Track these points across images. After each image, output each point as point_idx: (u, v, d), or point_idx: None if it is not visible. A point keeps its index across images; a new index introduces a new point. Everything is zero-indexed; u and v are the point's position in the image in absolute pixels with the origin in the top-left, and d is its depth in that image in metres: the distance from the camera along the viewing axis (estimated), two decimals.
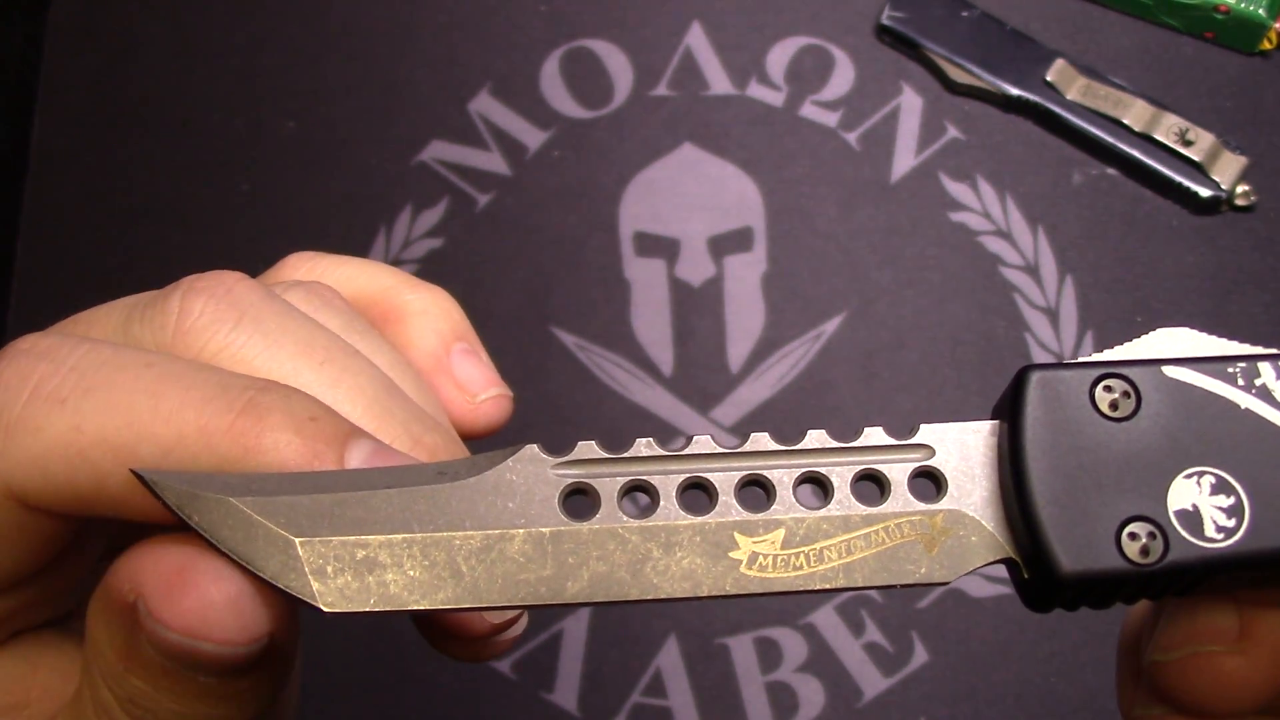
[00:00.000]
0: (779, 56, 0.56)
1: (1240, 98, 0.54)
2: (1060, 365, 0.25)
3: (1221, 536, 0.23)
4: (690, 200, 0.54)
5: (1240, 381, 0.24)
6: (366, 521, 0.22)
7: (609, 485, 0.23)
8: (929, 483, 0.25)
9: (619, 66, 0.56)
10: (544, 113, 0.56)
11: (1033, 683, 0.48)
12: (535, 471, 0.23)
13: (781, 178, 0.54)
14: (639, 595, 0.22)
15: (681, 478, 0.23)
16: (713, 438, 0.24)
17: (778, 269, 0.53)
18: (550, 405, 0.52)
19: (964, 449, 0.25)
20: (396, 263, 0.54)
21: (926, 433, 0.25)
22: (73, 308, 0.59)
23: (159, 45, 0.58)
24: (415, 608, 0.22)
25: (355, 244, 0.54)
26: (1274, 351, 0.24)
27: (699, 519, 0.23)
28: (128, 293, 0.56)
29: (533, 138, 0.55)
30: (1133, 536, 0.23)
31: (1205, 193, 0.52)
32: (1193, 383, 0.24)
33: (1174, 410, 0.24)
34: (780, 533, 0.23)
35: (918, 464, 0.24)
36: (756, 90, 0.56)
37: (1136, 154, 0.53)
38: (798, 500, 0.24)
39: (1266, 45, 0.54)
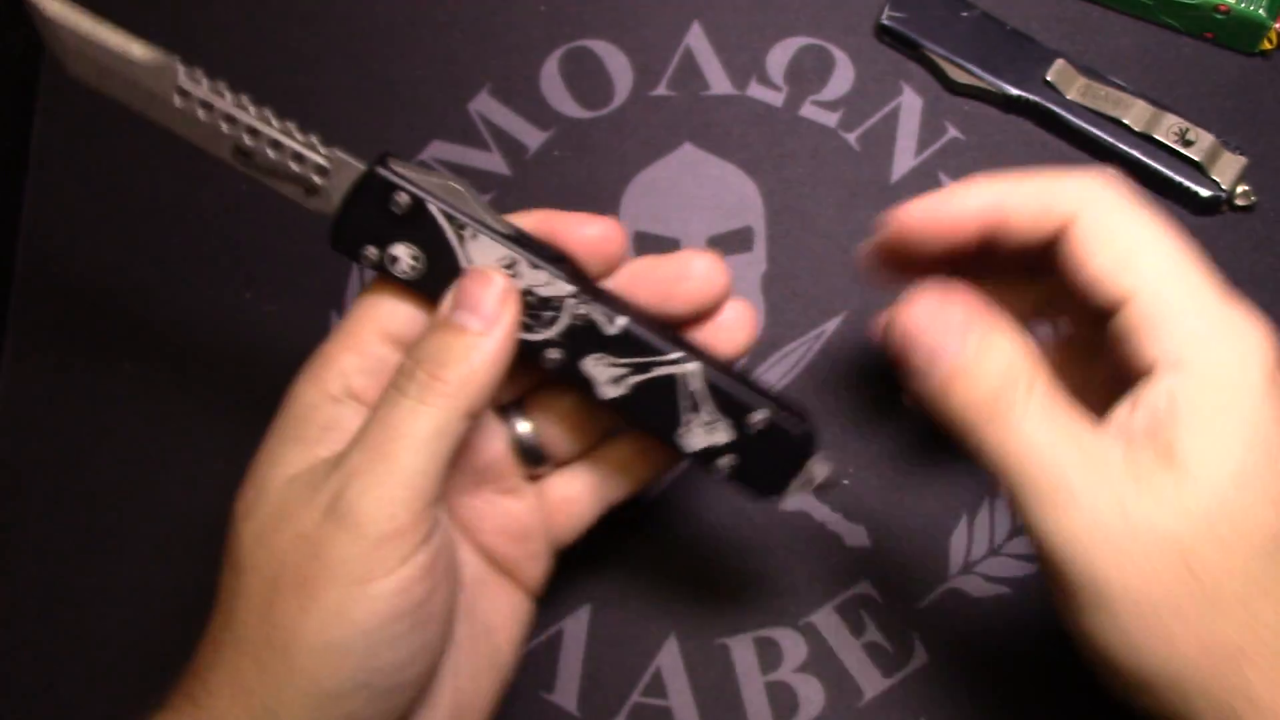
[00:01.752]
0: (779, 56, 0.56)
1: (1240, 98, 0.54)
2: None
3: None
4: (690, 200, 0.54)
5: None
6: None
7: None
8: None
9: (619, 66, 0.56)
10: (544, 113, 0.56)
11: (1033, 683, 0.48)
12: None
13: (781, 178, 0.54)
14: None
15: None
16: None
17: (778, 269, 0.53)
18: None
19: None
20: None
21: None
22: (73, 308, 0.59)
23: (158, 45, 0.58)
24: None
25: None
26: None
27: None
28: (127, 292, 0.56)
29: (533, 138, 0.56)
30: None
31: (1205, 193, 0.52)
32: None
33: None
34: None
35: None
36: (756, 90, 0.56)
37: (1136, 154, 0.53)
38: None
39: (1266, 45, 0.54)
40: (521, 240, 0.38)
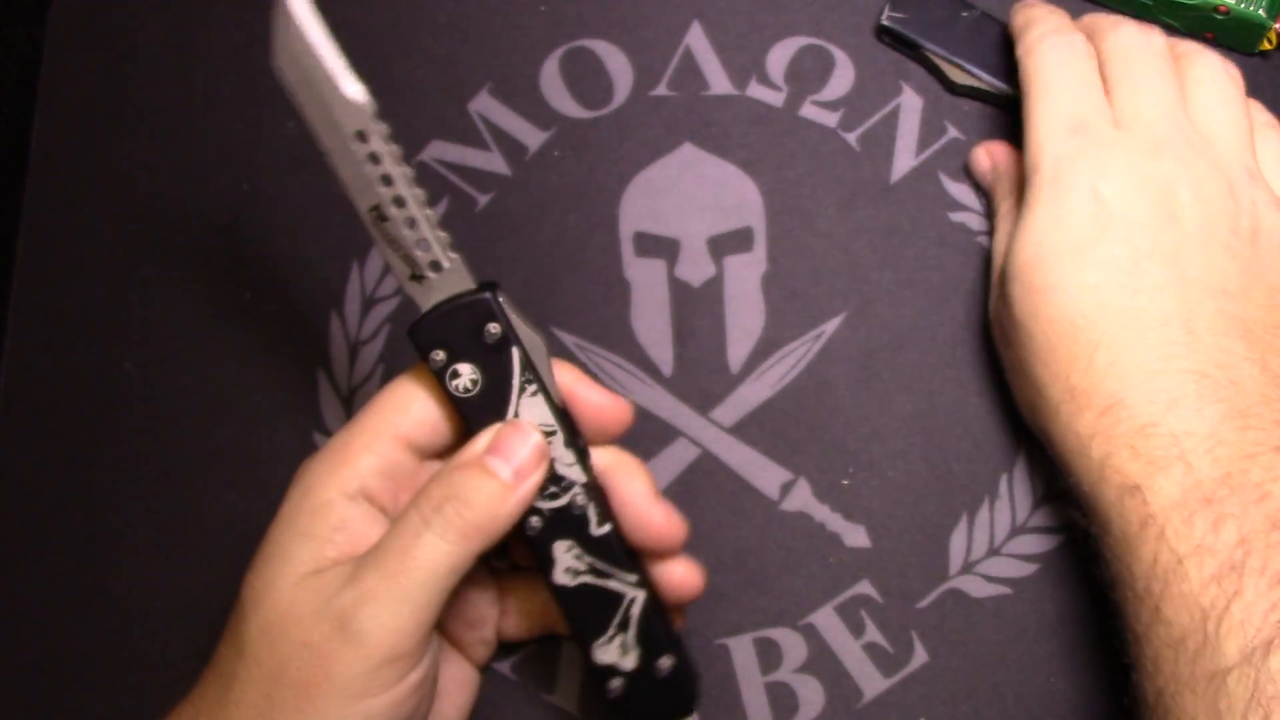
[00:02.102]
0: (779, 56, 0.56)
1: None
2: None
3: None
4: (690, 200, 0.54)
5: None
6: None
7: None
8: None
9: (619, 66, 0.56)
10: (544, 113, 0.56)
11: (1033, 683, 0.48)
12: None
13: (781, 178, 0.54)
14: None
15: None
16: None
17: (778, 269, 0.53)
18: None
19: None
20: None
21: None
22: (73, 308, 0.59)
23: (159, 45, 0.58)
24: None
25: (355, 244, 0.54)
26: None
27: None
28: (127, 292, 0.56)
29: (533, 138, 0.56)
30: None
31: None
32: None
33: None
34: None
35: None
36: (756, 90, 0.56)
37: None
38: None
39: (1266, 45, 0.54)
40: (564, 416, 0.40)
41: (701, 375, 0.52)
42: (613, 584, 0.41)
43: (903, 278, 0.53)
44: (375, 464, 0.40)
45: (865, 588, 0.50)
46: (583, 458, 0.40)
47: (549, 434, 0.40)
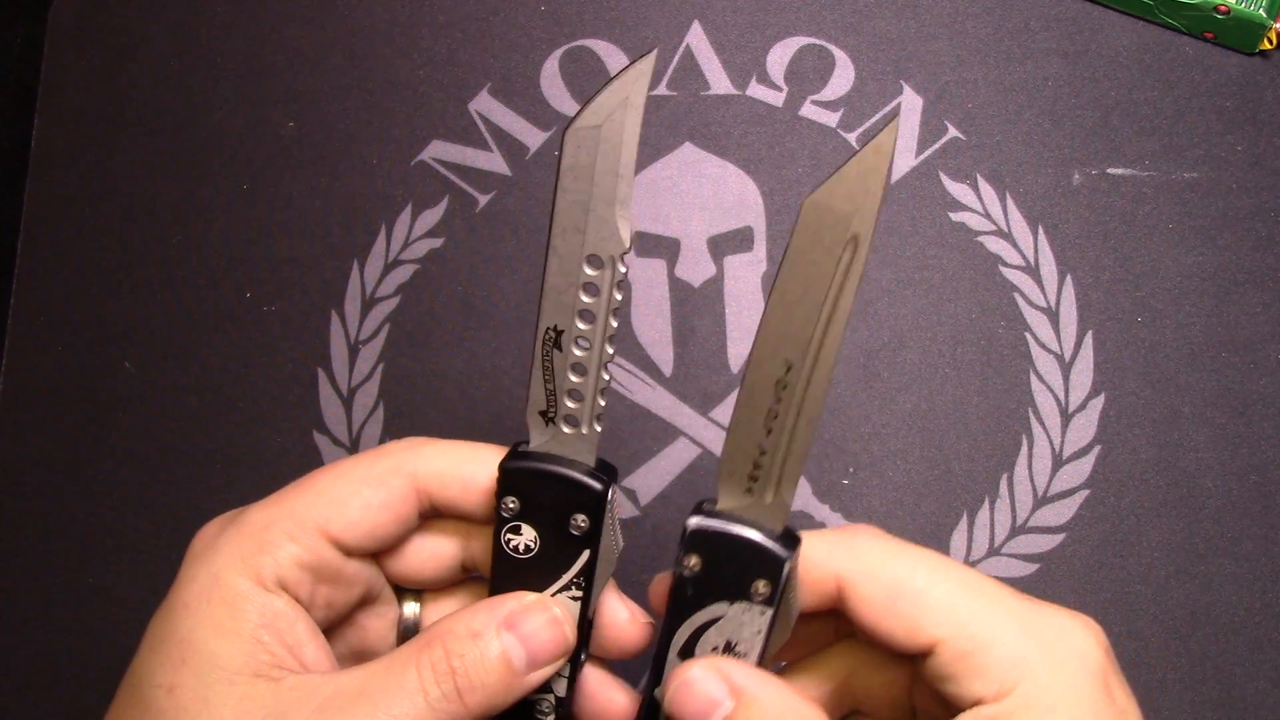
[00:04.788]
0: (779, 56, 0.56)
1: (1240, 98, 0.54)
2: None
3: None
4: (690, 200, 0.54)
5: None
6: None
7: None
8: None
9: (619, 66, 0.56)
10: (544, 113, 0.56)
11: None
12: None
13: (781, 178, 0.54)
14: None
15: None
16: None
17: (778, 269, 0.53)
18: None
19: None
20: (396, 263, 0.54)
21: None
22: (73, 308, 0.59)
23: (159, 45, 0.58)
24: None
25: (355, 244, 0.54)
26: None
27: None
28: (127, 292, 0.56)
29: (533, 138, 0.55)
30: None
31: None
32: None
33: None
34: None
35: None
36: (756, 90, 0.56)
37: None
38: None
39: (1266, 45, 0.54)
40: (585, 627, 0.37)
41: (701, 375, 0.52)
42: None
43: (903, 278, 0.53)
44: (297, 556, 0.35)
45: None
46: (573, 672, 0.37)
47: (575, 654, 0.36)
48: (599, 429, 0.35)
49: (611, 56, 0.56)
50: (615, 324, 0.34)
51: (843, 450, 0.51)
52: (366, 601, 0.38)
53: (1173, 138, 0.54)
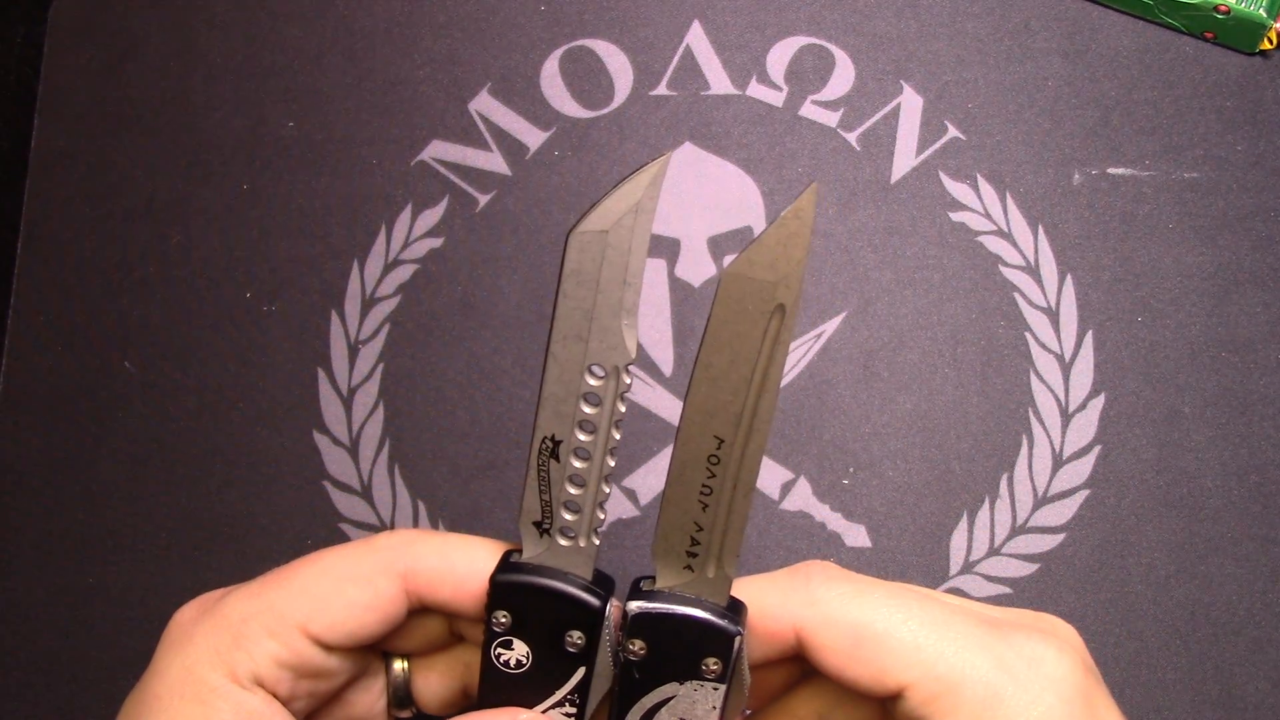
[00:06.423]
0: (779, 56, 0.56)
1: (1240, 98, 0.54)
2: None
3: None
4: (690, 200, 0.54)
5: None
6: None
7: None
8: None
9: (619, 66, 0.56)
10: (544, 113, 0.56)
11: None
12: None
13: (781, 178, 0.54)
14: None
15: None
16: None
17: None
18: None
19: None
20: (396, 263, 0.54)
21: None
22: (73, 308, 0.59)
23: (159, 45, 0.58)
24: None
25: (355, 244, 0.54)
26: None
27: None
28: (127, 292, 0.56)
29: (533, 138, 0.56)
30: None
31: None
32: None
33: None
34: None
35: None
36: (756, 90, 0.56)
37: None
38: None
39: (1266, 45, 0.54)
40: None
41: None
42: None
43: (903, 278, 0.53)
44: (275, 654, 0.33)
45: None
46: None
47: None
48: (597, 542, 0.33)
49: (611, 56, 0.56)
50: (618, 436, 0.32)
51: (843, 450, 0.51)
52: (352, 681, 0.36)
53: (1173, 138, 0.54)
